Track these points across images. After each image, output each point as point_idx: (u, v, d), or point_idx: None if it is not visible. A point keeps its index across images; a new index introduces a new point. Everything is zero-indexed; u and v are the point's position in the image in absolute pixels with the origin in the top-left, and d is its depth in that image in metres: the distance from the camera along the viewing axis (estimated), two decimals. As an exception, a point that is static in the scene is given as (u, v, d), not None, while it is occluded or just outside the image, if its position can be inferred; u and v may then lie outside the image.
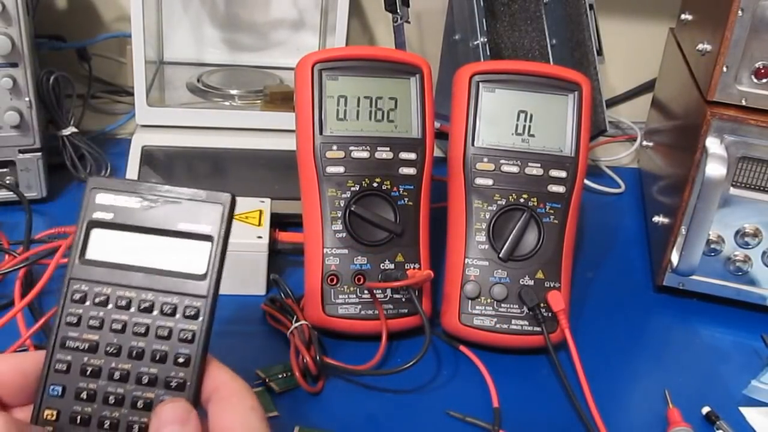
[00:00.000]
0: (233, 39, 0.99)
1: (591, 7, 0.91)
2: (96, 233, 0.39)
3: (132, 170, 0.78)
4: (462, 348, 0.64)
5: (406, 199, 0.65)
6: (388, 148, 0.65)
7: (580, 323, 0.69)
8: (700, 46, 0.72)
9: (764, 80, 0.66)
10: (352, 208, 0.64)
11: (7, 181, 0.77)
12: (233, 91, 0.88)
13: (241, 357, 0.60)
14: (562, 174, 0.66)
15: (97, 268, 0.38)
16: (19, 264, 0.62)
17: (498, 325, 0.63)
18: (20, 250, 0.67)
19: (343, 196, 0.64)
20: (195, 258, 0.38)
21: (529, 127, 0.67)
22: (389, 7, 0.81)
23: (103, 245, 0.39)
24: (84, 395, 0.37)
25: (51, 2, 1.01)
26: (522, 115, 0.66)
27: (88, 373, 0.37)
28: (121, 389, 0.37)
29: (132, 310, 0.38)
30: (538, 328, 0.63)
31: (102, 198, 0.39)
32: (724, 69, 0.67)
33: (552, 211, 0.66)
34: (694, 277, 0.72)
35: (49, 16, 1.00)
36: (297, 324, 0.60)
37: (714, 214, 0.67)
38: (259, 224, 0.69)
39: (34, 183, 0.78)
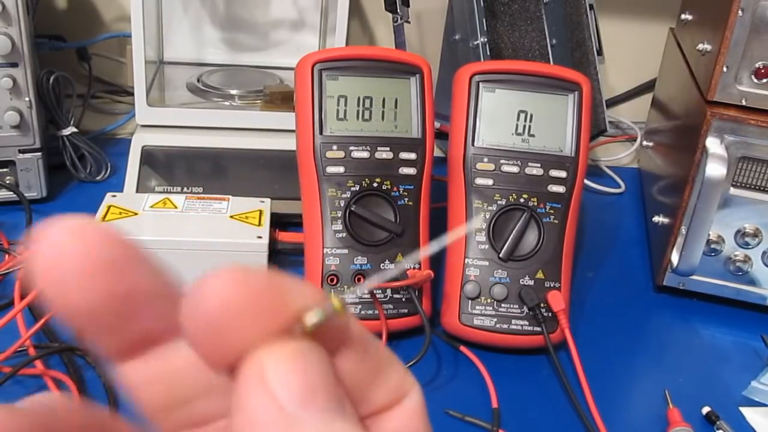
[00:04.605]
0: (233, 39, 0.99)
1: (591, 7, 0.91)
2: None
3: (132, 170, 0.78)
4: (462, 348, 0.64)
5: (406, 199, 0.65)
6: (388, 148, 0.65)
7: (580, 323, 0.69)
8: (700, 46, 0.72)
9: (764, 80, 0.66)
10: (352, 208, 0.64)
11: (7, 181, 0.77)
12: (233, 91, 0.88)
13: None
14: (562, 174, 0.66)
15: None
16: (19, 264, 0.62)
17: (498, 325, 0.63)
18: (20, 250, 0.67)
19: (343, 196, 0.64)
20: None
21: (529, 127, 0.66)
22: (389, 7, 0.81)
23: None
24: None
25: (51, 2, 1.01)
26: (522, 115, 0.66)
27: None
28: None
29: None
30: (538, 328, 0.63)
31: None
32: (724, 69, 0.67)
33: (552, 211, 0.66)
34: (694, 277, 0.72)
35: (49, 16, 1.00)
36: (297, 324, 0.60)
37: (714, 214, 0.67)
38: (259, 224, 0.69)
39: (34, 183, 0.78)
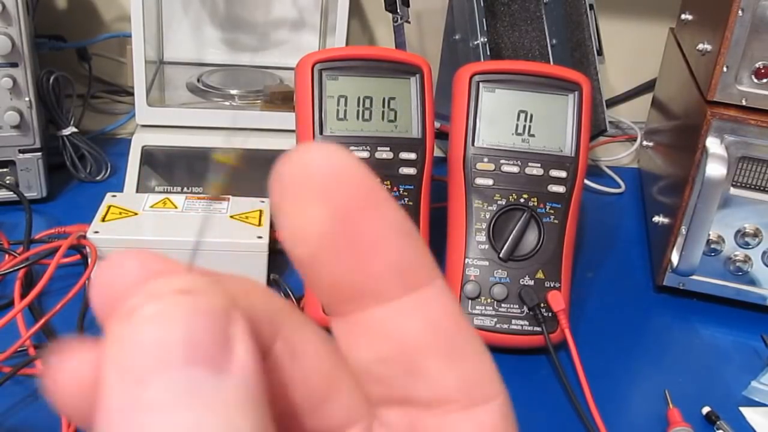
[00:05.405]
0: (233, 39, 0.99)
1: (591, 7, 0.91)
2: None
3: (132, 170, 0.78)
4: (462, 348, 0.64)
5: (406, 199, 0.65)
6: (388, 148, 0.65)
7: (580, 323, 0.69)
8: (700, 46, 0.72)
9: (764, 80, 0.66)
10: (352, 208, 0.63)
11: (7, 181, 0.77)
12: (233, 91, 0.88)
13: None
14: (562, 174, 0.66)
15: None
16: (19, 264, 0.62)
17: (498, 325, 0.63)
18: (20, 250, 0.67)
19: (343, 196, 0.64)
20: None
21: (529, 127, 0.66)
22: (389, 7, 0.81)
23: None
24: None
25: (51, 2, 1.01)
26: (522, 115, 0.66)
27: None
28: None
29: None
30: (538, 328, 0.63)
31: None
32: (724, 69, 0.67)
33: (552, 211, 0.66)
34: (694, 277, 0.72)
35: (49, 16, 1.00)
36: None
37: (714, 214, 0.67)
38: (259, 224, 0.69)
39: (34, 183, 0.78)
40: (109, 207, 0.69)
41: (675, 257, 0.72)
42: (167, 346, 0.13)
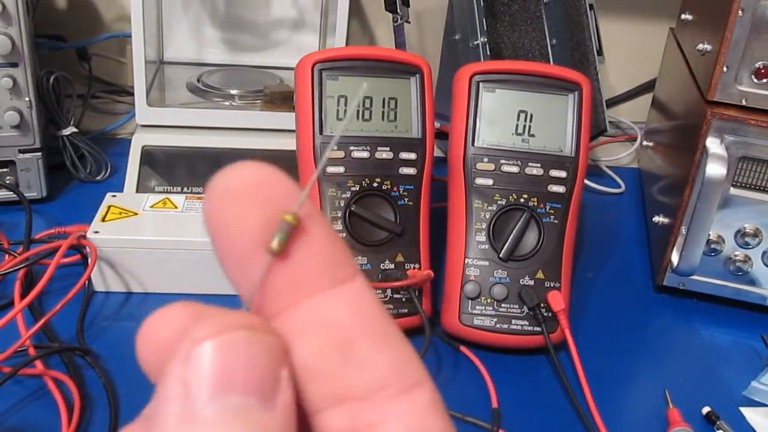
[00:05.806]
0: (233, 39, 0.99)
1: (591, 7, 0.91)
2: None
3: (132, 170, 0.78)
4: (462, 348, 0.64)
5: (406, 199, 0.65)
6: (388, 148, 0.65)
7: (580, 323, 0.69)
8: (701, 46, 0.72)
9: (764, 80, 0.66)
10: (352, 208, 0.64)
11: (7, 181, 0.77)
12: (233, 91, 0.88)
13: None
14: (562, 174, 0.66)
15: None
16: (19, 264, 0.62)
17: (498, 325, 0.63)
18: (20, 250, 0.67)
19: (343, 196, 0.64)
20: None
21: (529, 127, 0.67)
22: (389, 7, 0.81)
23: None
24: None
25: (51, 2, 1.01)
26: (522, 115, 0.66)
27: None
28: None
29: None
30: (538, 328, 0.63)
31: None
32: (725, 69, 0.67)
33: (552, 211, 0.66)
34: (694, 277, 0.72)
35: (49, 16, 1.00)
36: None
37: (714, 214, 0.67)
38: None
39: (34, 183, 0.78)
40: (109, 207, 0.69)
41: (675, 257, 0.72)
42: (230, 373, 0.15)
